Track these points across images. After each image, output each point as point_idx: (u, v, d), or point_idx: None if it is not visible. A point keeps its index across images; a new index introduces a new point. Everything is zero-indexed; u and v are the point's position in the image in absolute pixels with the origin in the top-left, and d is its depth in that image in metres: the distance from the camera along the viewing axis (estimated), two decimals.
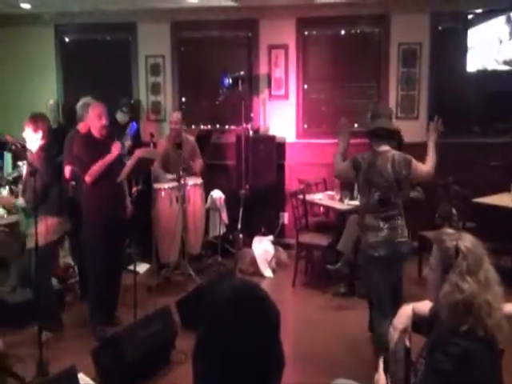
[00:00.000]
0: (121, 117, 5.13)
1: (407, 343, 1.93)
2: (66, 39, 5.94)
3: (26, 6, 5.38)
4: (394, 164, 2.88)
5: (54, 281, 4.08)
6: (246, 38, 5.75)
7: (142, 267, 4.66)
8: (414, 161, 2.96)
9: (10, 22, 5.79)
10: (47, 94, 5.58)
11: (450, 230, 1.75)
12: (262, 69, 5.63)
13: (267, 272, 4.71)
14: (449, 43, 5.34)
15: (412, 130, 5.39)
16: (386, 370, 1.82)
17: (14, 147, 3.45)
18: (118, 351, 2.97)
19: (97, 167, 3.47)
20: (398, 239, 2.92)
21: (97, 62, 5.81)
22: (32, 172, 3.20)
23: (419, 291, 3.96)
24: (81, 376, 2.86)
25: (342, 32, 5.68)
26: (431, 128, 3.09)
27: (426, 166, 2.97)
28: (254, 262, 4.69)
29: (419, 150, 5.09)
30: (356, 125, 5.54)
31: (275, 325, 0.99)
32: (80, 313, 3.85)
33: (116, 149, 3.54)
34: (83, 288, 4.08)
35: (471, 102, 5.39)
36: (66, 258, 4.39)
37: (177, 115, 4.78)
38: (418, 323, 1.93)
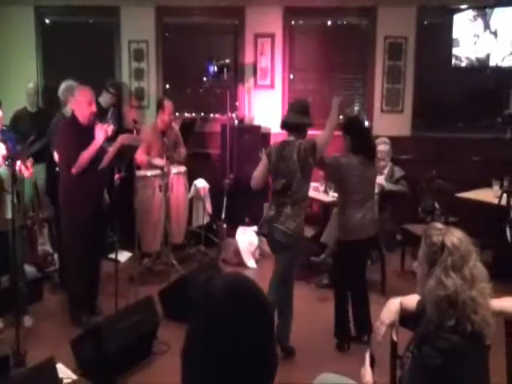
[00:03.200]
0: (105, 99, 4.97)
1: (394, 337, 1.93)
2: (47, 21, 5.73)
3: None
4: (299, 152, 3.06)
5: (33, 269, 3.98)
6: (232, 26, 5.67)
7: (124, 256, 4.57)
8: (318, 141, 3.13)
9: None
10: (26, 77, 5.37)
11: (439, 225, 1.74)
12: (248, 57, 5.56)
13: (251, 263, 4.69)
14: (434, 38, 5.37)
15: (397, 124, 5.43)
16: (372, 365, 1.82)
17: None
18: (99, 342, 2.91)
19: (84, 158, 3.35)
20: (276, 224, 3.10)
21: (79, 45, 5.63)
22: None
23: (402, 284, 4.04)
24: (60, 367, 2.80)
25: (329, 22, 5.65)
26: (334, 102, 3.19)
27: (318, 139, 3.10)
28: (237, 252, 4.66)
29: (404, 144, 5.21)
30: (341, 117, 5.53)
31: (270, 322, 0.97)
32: (59, 302, 3.77)
33: (100, 134, 3.40)
34: (62, 276, 3.99)
35: (456, 97, 5.45)
36: (44, 246, 4.28)
37: (172, 105, 4.65)
38: (406, 317, 1.92)
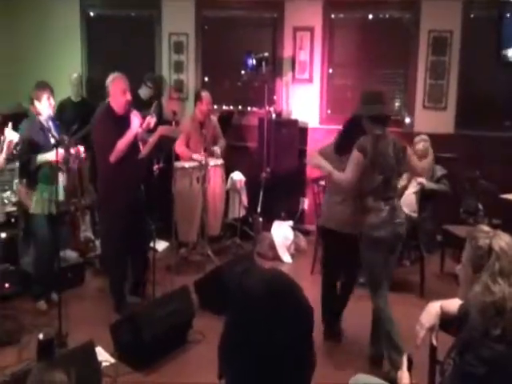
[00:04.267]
0: (144, 92, 5.07)
1: (434, 342, 1.88)
2: (91, 13, 5.87)
3: None
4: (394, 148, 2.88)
5: (75, 254, 4.10)
6: (271, 19, 5.63)
7: (161, 245, 4.64)
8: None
9: None
10: (71, 68, 5.53)
11: (485, 228, 1.68)
12: (287, 51, 5.51)
13: (286, 257, 4.67)
14: (481, 32, 5.17)
15: (439, 121, 5.27)
16: (409, 368, 1.77)
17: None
18: (136, 328, 2.97)
19: (120, 146, 3.38)
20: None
21: (121, 37, 5.75)
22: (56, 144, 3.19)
23: (441, 287, 3.93)
24: (99, 350, 2.88)
25: (370, 16, 5.52)
26: None
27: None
28: (272, 246, 4.65)
29: (446, 142, 5.05)
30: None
31: (308, 321, 0.95)
32: (99, 287, 3.85)
33: (136, 122, 3.43)
34: (103, 262, 4.09)
35: (503, 95, 5.23)
36: (86, 232, 4.39)
37: (209, 96, 4.67)
38: (446, 322, 1.86)
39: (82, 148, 3.56)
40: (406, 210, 4.15)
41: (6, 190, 3.70)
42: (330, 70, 5.55)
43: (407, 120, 5.29)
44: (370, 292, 2.95)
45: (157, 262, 3.66)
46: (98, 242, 4.35)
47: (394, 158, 2.84)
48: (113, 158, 3.40)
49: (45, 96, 3.45)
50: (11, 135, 3.07)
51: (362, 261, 2.96)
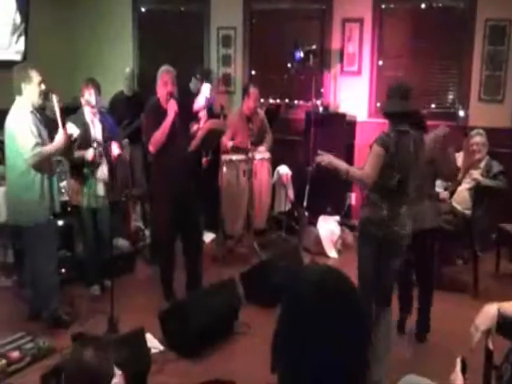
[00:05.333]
0: (194, 85, 5.16)
1: (490, 345, 1.80)
2: (143, 9, 6.01)
3: None
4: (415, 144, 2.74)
5: (126, 243, 4.24)
6: (319, 11, 5.55)
7: (208, 237, 4.72)
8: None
9: None
10: (123, 62, 5.71)
11: None
12: (335, 43, 5.43)
13: (332, 253, 4.63)
14: None
15: (496, 114, 5.03)
16: (463, 371, 1.70)
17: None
18: (184, 317, 3.03)
19: (157, 135, 3.41)
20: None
21: (171, 32, 5.86)
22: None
23: (497, 287, 3.77)
24: (149, 337, 2.95)
25: (423, 6, 5.33)
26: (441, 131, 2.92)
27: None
28: (318, 241, 4.61)
29: (503, 137, 4.81)
30: (433, 105, 5.25)
31: (360, 322, 0.94)
32: (149, 275, 3.96)
33: (172, 109, 3.42)
34: (153, 251, 4.20)
35: None
36: (137, 222, 4.53)
37: (257, 91, 4.66)
38: (504, 325, 1.77)
39: (115, 146, 3.60)
40: (458, 206, 4.01)
41: (63, 180, 3.87)
42: (380, 62, 5.41)
43: (461, 113, 5.08)
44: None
45: (204, 254, 3.72)
46: (147, 232, 4.48)
47: (414, 156, 2.73)
48: (151, 147, 3.46)
49: (86, 92, 3.58)
50: (71, 129, 3.19)
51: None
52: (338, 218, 4.87)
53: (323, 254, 4.59)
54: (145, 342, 2.75)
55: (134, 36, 6.00)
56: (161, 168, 3.55)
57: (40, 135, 3.09)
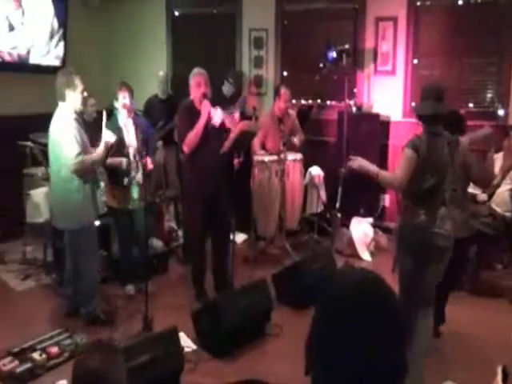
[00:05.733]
0: (227, 88, 5.21)
1: None
2: (176, 13, 6.11)
3: None
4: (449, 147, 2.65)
5: (160, 243, 4.31)
6: (352, 10, 5.48)
7: (240, 237, 4.75)
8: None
9: None
10: (157, 66, 5.82)
11: None
12: (368, 42, 5.35)
13: (365, 255, 4.56)
14: None
15: None
16: (504, 380, 1.63)
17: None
18: (216, 317, 3.05)
19: (191, 135, 3.44)
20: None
21: (204, 35, 5.93)
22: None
23: None
24: (182, 336, 2.99)
25: (460, 2, 5.17)
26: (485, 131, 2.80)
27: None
28: (351, 243, 4.55)
29: None
30: (471, 104, 5.09)
31: (401, 330, 0.91)
32: (182, 275, 4.01)
33: (205, 110, 3.45)
34: (186, 252, 4.26)
35: None
36: (170, 222, 4.61)
37: (288, 92, 4.67)
38: None
39: (149, 161, 3.65)
40: (497, 208, 3.87)
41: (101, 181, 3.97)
42: (415, 61, 5.30)
43: (501, 112, 4.91)
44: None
45: (235, 254, 3.73)
46: (180, 232, 4.55)
47: (449, 158, 2.64)
48: (185, 148, 3.48)
49: (121, 95, 3.65)
50: (108, 136, 3.26)
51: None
52: (371, 219, 4.80)
53: (356, 256, 4.52)
54: (178, 340, 2.79)
55: (168, 40, 6.11)
56: (193, 169, 3.59)
57: (82, 142, 3.17)
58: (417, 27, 5.24)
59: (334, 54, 4.98)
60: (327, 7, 5.55)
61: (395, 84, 5.27)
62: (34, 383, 2.73)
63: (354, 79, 5.38)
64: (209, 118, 3.48)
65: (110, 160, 3.45)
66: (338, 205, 4.70)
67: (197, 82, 3.52)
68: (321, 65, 5.19)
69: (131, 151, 3.65)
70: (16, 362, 2.81)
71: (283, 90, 4.64)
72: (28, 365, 2.80)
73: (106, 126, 3.30)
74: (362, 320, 0.88)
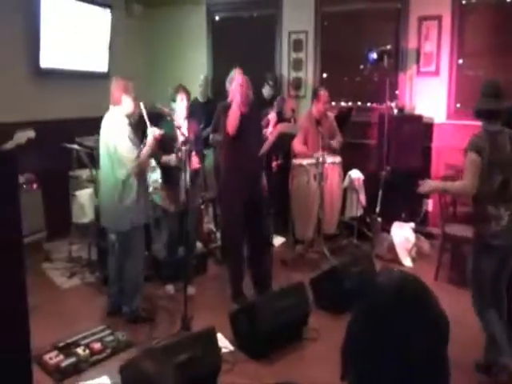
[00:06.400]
0: (266, 91, 5.24)
1: None
2: (216, 17, 6.21)
3: None
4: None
5: (199, 244, 4.37)
6: (394, 10, 5.37)
7: (278, 240, 4.74)
8: None
9: (166, 2, 6.24)
10: (198, 71, 5.92)
11: None
12: (411, 43, 5.22)
13: (406, 261, 4.44)
14: None
15: None
16: None
17: (169, 118, 3.69)
18: (254, 319, 3.05)
19: (230, 119, 3.44)
20: None
21: (243, 38, 5.98)
22: (184, 141, 3.40)
23: None
24: (219, 336, 3.01)
25: None
26: None
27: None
28: (391, 248, 4.45)
29: None
30: None
31: (442, 334, 0.89)
32: (221, 276, 4.03)
33: (236, 92, 3.48)
34: (224, 253, 4.30)
35: None
36: (209, 224, 4.66)
37: (327, 94, 4.63)
38: None
39: (195, 160, 3.68)
40: None
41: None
42: (460, 61, 5.13)
43: None
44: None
45: (273, 257, 3.73)
46: (219, 234, 4.59)
47: None
48: (230, 129, 3.44)
49: (179, 97, 3.72)
50: (153, 131, 3.32)
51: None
52: (413, 225, 4.67)
53: (397, 261, 4.41)
54: (216, 341, 2.81)
55: (208, 44, 6.21)
56: (231, 171, 3.62)
57: (135, 144, 3.28)
58: (462, 26, 5.07)
59: (374, 55, 4.90)
60: (368, 8, 5.46)
61: (439, 85, 5.12)
62: (77, 377, 2.82)
63: (396, 80, 5.27)
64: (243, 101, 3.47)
65: (164, 158, 3.54)
66: (378, 209, 4.61)
67: (239, 83, 3.56)
68: (361, 66, 5.13)
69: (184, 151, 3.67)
70: (61, 357, 2.92)
71: (322, 92, 4.61)
72: (72, 359, 2.91)
73: (161, 127, 3.38)
74: (401, 325, 0.86)
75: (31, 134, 3.31)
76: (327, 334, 3.17)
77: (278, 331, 3.08)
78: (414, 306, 0.88)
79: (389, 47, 4.98)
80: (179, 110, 3.72)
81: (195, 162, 3.68)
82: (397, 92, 5.29)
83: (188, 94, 3.77)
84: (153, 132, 3.29)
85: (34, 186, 4.41)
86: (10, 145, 3.25)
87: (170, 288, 3.88)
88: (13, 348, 2.07)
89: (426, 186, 2.79)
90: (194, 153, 3.62)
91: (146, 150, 3.26)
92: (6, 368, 2.06)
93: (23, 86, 4.77)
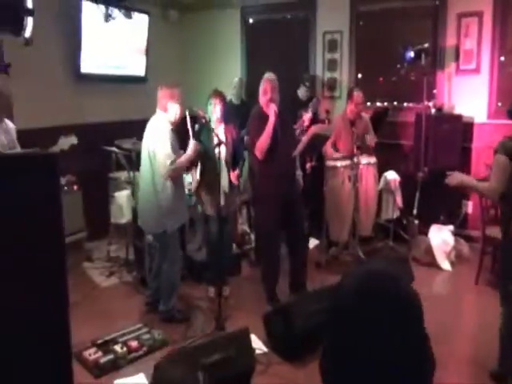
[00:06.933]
0: (302, 92, 5.22)
1: None
2: (250, 20, 6.24)
3: None
4: None
5: (233, 245, 4.39)
6: (432, 8, 5.24)
7: (312, 242, 4.71)
8: None
9: (202, 7, 6.32)
10: (232, 73, 5.98)
11: None
12: (450, 40, 5.08)
13: (445, 264, 4.31)
14: None
15: None
16: None
17: (204, 121, 3.73)
18: (288, 320, 3.03)
19: (261, 140, 3.47)
20: None
21: (277, 40, 5.99)
22: (217, 144, 3.43)
23: None
24: (253, 337, 3.01)
25: None
26: None
27: None
28: (429, 251, 4.33)
29: None
30: None
31: (416, 317, 0.84)
32: (255, 277, 4.03)
33: (272, 111, 3.47)
34: (258, 254, 4.30)
35: None
36: (243, 225, 4.68)
37: (362, 95, 4.57)
38: None
39: (234, 176, 3.73)
40: None
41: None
42: (502, 58, 4.94)
43: None
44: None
45: (307, 259, 3.71)
46: (253, 235, 4.61)
47: None
48: (258, 153, 3.51)
49: (212, 102, 3.77)
50: (195, 143, 3.41)
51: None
52: (452, 227, 4.53)
53: (434, 265, 4.29)
54: (250, 342, 2.81)
55: (242, 47, 6.25)
56: (265, 173, 3.61)
57: (176, 151, 3.34)
58: (504, 22, 4.89)
59: (411, 54, 4.80)
60: (404, 6, 5.35)
61: (479, 83, 4.95)
62: (115, 374, 2.89)
63: (434, 79, 5.13)
64: (276, 120, 3.49)
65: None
66: (415, 211, 4.50)
67: (263, 89, 3.58)
68: (398, 65, 5.03)
69: (221, 157, 3.63)
70: (100, 353, 3.01)
71: (356, 93, 4.56)
72: (111, 356, 2.99)
73: (199, 134, 3.42)
74: (370, 321, 0.82)
75: (74, 140, 3.44)
76: None
77: (313, 333, 3.05)
78: (377, 301, 0.83)
79: (426, 45, 4.87)
80: (213, 114, 3.75)
81: (233, 178, 3.70)
82: (435, 91, 5.15)
83: (222, 98, 3.78)
84: (194, 145, 3.36)
85: (75, 187, 4.56)
86: (53, 150, 3.38)
87: (211, 290, 3.85)
88: (55, 344, 2.14)
89: (454, 178, 2.68)
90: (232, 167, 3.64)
91: (182, 160, 3.32)
92: (48, 363, 2.14)
93: (65, 91, 4.94)
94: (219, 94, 3.77)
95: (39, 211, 2.13)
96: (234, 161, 3.83)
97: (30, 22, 1.92)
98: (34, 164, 2.14)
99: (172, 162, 3.25)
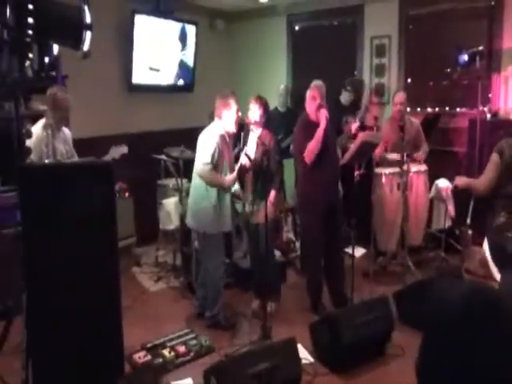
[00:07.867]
0: (344, 97, 5.15)
1: None
2: (296, 27, 6.25)
3: (263, 0, 5.87)
4: None
5: (277, 253, 4.38)
6: (486, 8, 5.04)
7: (359, 251, 4.62)
8: None
9: (248, 16, 6.40)
10: (278, 80, 6.00)
11: None
12: (506, 42, 4.85)
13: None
14: None
15: None
16: None
17: (251, 127, 3.74)
18: (335, 331, 2.99)
19: (311, 145, 3.46)
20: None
21: (323, 46, 5.96)
22: (265, 151, 3.44)
23: None
24: (299, 347, 2.99)
25: None
26: None
27: None
28: (484, 263, 4.11)
29: None
30: None
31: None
32: (300, 285, 4.00)
33: (323, 117, 3.45)
34: (303, 262, 4.27)
35: None
36: (288, 233, 4.67)
37: (402, 95, 4.48)
38: None
39: (271, 198, 3.65)
40: None
41: None
42: None
43: None
44: None
45: (354, 269, 3.64)
46: (298, 243, 4.58)
47: None
48: (307, 159, 3.49)
49: (251, 105, 3.78)
50: (244, 159, 3.48)
51: None
52: None
53: (489, 277, 4.08)
54: (297, 351, 2.80)
55: (288, 54, 6.27)
56: (312, 179, 3.59)
57: (222, 159, 3.38)
58: None
59: (465, 57, 4.63)
60: (456, 7, 5.18)
61: None
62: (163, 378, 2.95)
63: (489, 83, 4.92)
64: (327, 126, 3.48)
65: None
66: (468, 220, 4.32)
67: (312, 96, 3.57)
68: (449, 70, 4.86)
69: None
70: (149, 357, 3.08)
71: (397, 94, 4.47)
72: (159, 360, 3.05)
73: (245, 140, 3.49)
74: (471, 341, 0.80)
75: (125, 149, 3.57)
76: (413, 352, 2.96)
77: (360, 345, 2.99)
78: (482, 322, 0.81)
79: (481, 48, 4.68)
80: (251, 119, 3.75)
81: (269, 202, 3.54)
82: (490, 95, 4.94)
83: (262, 103, 3.77)
84: (245, 158, 3.42)
85: (126, 194, 4.72)
86: (106, 159, 3.52)
87: (255, 305, 3.79)
88: (108, 347, 2.22)
89: (462, 180, 2.99)
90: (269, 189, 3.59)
91: (220, 180, 3.37)
92: (101, 366, 2.22)
93: (117, 102, 5.14)
94: (259, 99, 3.78)
95: (98, 215, 2.24)
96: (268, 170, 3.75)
97: (88, 36, 2.03)
98: (94, 172, 2.26)
99: (206, 164, 3.31)
